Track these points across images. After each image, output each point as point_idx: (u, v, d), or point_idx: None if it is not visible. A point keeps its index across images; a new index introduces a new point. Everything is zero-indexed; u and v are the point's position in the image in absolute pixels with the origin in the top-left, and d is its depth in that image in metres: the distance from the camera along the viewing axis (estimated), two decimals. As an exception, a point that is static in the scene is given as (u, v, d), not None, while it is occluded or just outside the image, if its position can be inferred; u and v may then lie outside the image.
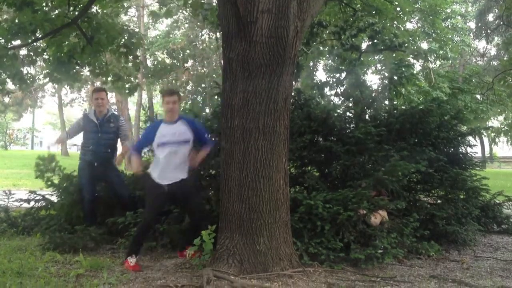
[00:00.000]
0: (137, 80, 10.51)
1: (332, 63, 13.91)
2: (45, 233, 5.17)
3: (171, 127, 4.31)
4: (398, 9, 11.48)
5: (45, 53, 8.33)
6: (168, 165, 4.27)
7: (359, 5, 9.86)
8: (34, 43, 7.81)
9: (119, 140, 5.65)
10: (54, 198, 5.87)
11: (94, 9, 8.12)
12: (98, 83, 22.29)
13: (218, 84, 6.33)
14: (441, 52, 19.06)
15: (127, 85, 9.09)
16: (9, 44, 7.48)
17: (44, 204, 5.87)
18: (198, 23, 22.58)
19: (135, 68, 8.99)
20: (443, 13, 18.48)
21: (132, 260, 4.15)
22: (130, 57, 8.66)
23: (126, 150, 5.76)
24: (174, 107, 4.34)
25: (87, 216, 5.31)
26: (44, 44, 8.05)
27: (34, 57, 8.18)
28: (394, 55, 10.87)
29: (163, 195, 4.31)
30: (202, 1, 8.00)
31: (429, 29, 17.71)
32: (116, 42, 8.26)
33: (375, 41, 9.18)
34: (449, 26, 20.90)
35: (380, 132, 5.35)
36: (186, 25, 27.10)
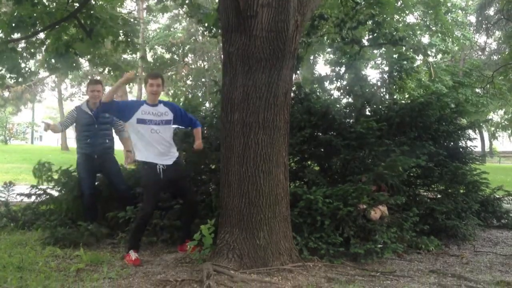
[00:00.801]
0: (137, 72, 10.53)
1: (332, 56, 13.85)
2: (46, 228, 5.17)
3: (153, 108, 4.38)
4: (400, 2, 11.42)
5: (44, 46, 8.31)
6: (153, 144, 4.29)
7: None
8: (33, 37, 7.81)
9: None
10: (55, 193, 5.85)
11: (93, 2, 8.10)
12: (97, 77, 22.23)
13: (217, 84, 6.34)
14: (442, 46, 18.99)
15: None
16: (9, 37, 7.45)
17: (45, 198, 5.85)
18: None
19: (140, 60, 9.02)
20: (444, 7, 18.39)
21: (132, 255, 4.16)
22: (129, 50, 8.66)
23: (127, 143, 5.74)
24: (158, 90, 4.43)
25: (88, 211, 5.27)
26: (43, 36, 8.04)
27: (33, 50, 8.16)
28: (394, 49, 10.82)
29: (160, 182, 4.31)
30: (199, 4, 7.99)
31: (431, 22, 17.60)
32: (115, 33, 8.25)
33: (376, 34, 9.14)
34: (450, 20, 20.81)
35: (381, 127, 5.34)
36: (187, 19, 26.96)
